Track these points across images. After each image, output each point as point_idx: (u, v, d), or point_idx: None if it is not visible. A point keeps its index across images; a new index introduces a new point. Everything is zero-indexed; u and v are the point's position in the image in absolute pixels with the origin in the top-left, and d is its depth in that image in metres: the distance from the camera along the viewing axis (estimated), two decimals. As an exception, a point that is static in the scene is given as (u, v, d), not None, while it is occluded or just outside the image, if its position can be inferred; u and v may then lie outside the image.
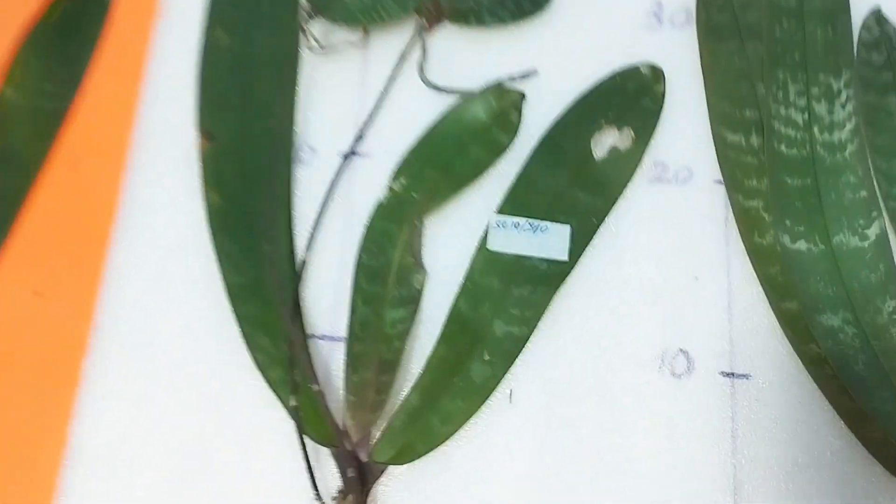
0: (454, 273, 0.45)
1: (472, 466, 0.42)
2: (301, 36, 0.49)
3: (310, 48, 0.49)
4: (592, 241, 0.45)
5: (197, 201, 0.46)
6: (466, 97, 0.48)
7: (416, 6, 0.49)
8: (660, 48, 0.49)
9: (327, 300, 0.45)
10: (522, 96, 0.48)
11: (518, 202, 0.46)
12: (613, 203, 0.46)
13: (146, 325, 0.46)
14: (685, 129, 0.48)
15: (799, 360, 0.42)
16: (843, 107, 0.46)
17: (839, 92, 0.46)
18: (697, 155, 0.47)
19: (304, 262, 0.45)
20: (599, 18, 0.50)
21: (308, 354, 0.43)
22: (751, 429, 0.42)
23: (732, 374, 0.43)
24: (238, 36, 0.50)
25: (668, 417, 0.42)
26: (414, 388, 0.42)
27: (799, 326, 0.42)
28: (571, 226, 0.45)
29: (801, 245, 0.43)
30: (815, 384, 0.42)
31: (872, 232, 0.43)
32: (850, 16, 0.48)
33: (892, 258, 0.42)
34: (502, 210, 0.46)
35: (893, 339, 0.41)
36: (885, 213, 0.44)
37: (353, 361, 0.43)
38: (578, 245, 0.45)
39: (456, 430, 0.42)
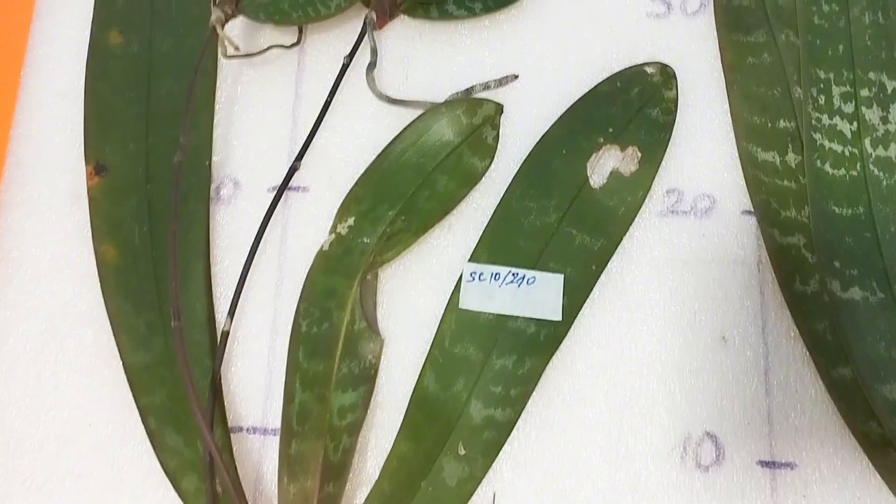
0: (419, 340, 0.36)
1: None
2: (217, 39, 0.40)
3: (226, 55, 0.39)
4: (592, 293, 0.37)
5: (87, 256, 0.37)
6: (429, 111, 0.39)
7: (363, -5, 0.40)
8: (670, 42, 0.41)
9: (257, 383, 0.37)
10: (500, 109, 0.40)
11: (497, 246, 0.38)
12: (617, 243, 0.38)
13: (27, 423, 0.37)
14: (704, 146, 0.39)
15: (856, 444, 0.34)
16: (902, 111, 0.38)
17: (895, 93, 0.38)
18: (720, 179, 0.39)
19: (225, 334, 0.36)
20: (594, 5, 0.41)
21: (231, 457, 0.35)
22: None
23: (773, 462, 0.35)
24: (137, 39, 0.41)
25: (694, 520, 0.34)
26: (370, 500, 0.34)
27: (855, 400, 0.35)
28: (565, 275, 0.37)
29: (856, 293, 0.36)
30: (876, 473, 0.34)
31: (949, 277, 0.35)
32: (903, -1, 0.40)
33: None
34: (477, 257, 0.37)
35: None
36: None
37: (290, 465, 0.34)
38: (575, 299, 0.37)
39: (427, 554, 0.34)
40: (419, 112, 0.39)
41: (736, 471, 0.35)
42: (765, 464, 0.35)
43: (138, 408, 0.35)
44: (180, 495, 0.34)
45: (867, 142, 0.38)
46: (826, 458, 0.35)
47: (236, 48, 0.39)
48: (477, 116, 0.39)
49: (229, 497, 0.33)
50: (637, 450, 0.35)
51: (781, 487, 0.34)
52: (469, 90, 0.40)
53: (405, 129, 0.39)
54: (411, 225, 0.38)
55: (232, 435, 0.36)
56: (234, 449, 0.35)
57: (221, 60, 0.40)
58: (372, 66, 0.40)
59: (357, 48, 0.40)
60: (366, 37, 0.40)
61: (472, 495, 0.34)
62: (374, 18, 0.40)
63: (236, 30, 0.41)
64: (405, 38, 0.42)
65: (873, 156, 0.38)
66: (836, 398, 0.35)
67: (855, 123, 0.39)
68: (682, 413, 0.36)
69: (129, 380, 0.36)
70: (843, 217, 0.37)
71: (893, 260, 0.36)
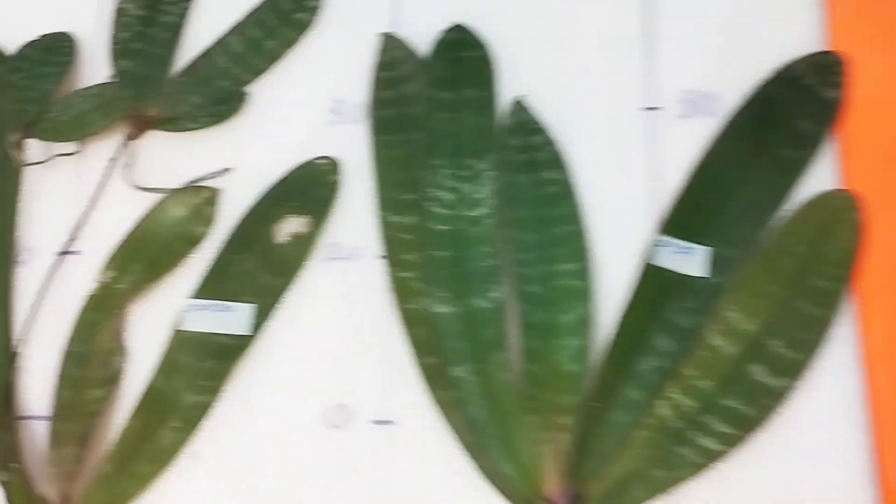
0: (153, 353, 0.55)
1: (161, 519, 0.52)
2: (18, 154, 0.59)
3: (25, 164, 0.59)
4: (273, 316, 0.56)
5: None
6: (168, 196, 0.58)
7: (122, 116, 0.60)
8: (339, 141, 0.60)
9: (40, 384, 0.55)
10: (217, 192, 0.59)
11: (211, 287, 0.57)
12: (292, 281, 0.57)
13: None
14: (357, 213, 0.58)
15: (436, 407, 0.53)
16: (486, 186, 0.57)
17: (482, 173, 0.57)
18: (366, 235, 0.57)
19: (15, 353, 0.55)
20: (287, 117, 0.61)
21: (14, 434, 0.53)
22: (393, 467, 0.52)
23: (382, 421, 0.53)
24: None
25: (325, 463, 0.53)
26: (108, 458, 0.52)
27: (436, 378, 0.53)
28: (256, 304, 0.56)
29: (443, 308, 0.54)
30: (447, 425, 0.52)
31: (495, 294, 0.54)
32: (497, 104, 0.60)
33: (505, 317, 0.53)
34: (197, 295, 0.56)
35: (499, 386, 0.52)
36: (509, 277, 0.55)
37: (55, 438, 0.53)
38: (260, 320, 0.56)
39: (143, 490, 0.52)
40: (161, 196, 0.59)
41: (358, 428, 0.53)
42: (377, 422, 0.53)
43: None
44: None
45: (462, 207, 0.57)
46: (417, 417, 0.52)
47: (27, 164, 0.58)
48: (199, 198, 0.59)
49: (12, 461, 0.52)
50: (294, 419, 0.54)
51: (387, 437, 0.53)
52: (195, 180, 0.59)
53: (151, 208, 0.58)
54: (153, 275, 0.57)
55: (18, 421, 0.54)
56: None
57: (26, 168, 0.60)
58: (129, 165, 0.60)
59: (119, 153, 0.60)
60: (124, 145, 0.60)
61: (179, 454, 0.53)
62: (130, 132, 0.60)
63: (35, 147, 0.60)
64: (155, 144, 0.61)
65: (465, 216, 0.56)
66: (425, 377, 0.54)
67: (455, 194, 0.57)
68: (325, 392, 0.54)
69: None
70: (440, 258, 0.56)
71: (468, 286, 0.55)
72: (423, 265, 0.55)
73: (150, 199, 0.59)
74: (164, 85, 0.62)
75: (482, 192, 0.57)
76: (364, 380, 0.54)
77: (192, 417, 0.53)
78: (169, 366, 0.55)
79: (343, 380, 0.55)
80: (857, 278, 0.55)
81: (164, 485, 0.53)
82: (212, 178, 0.59)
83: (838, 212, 0.55)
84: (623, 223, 0.57)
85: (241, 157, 0.60)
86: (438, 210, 0.57)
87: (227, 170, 0.59)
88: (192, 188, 0.59)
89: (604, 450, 0.50)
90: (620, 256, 0.55)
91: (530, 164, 0.58)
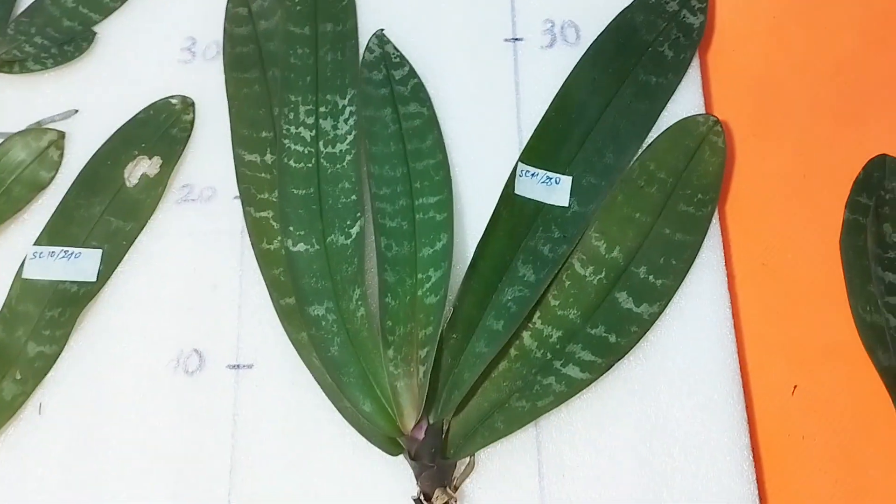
0: (-7, 303, 0.53)
1: (4, 474, 0.50)
2: None
3: None
4: (123, 262, 0.54)
5: None
6: (8, 139, 0.56)
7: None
8: (194, 80, 0.58)
9: None
10: (62, 135, 0.56)
11: (56, 233, 0.54)
12: (143, 225, 0.55)
13: None
14: (212, 153, 0.57)
15: (293, 348, 0.52)
16: (346, 121, 0.56)
17: (343, 109, 0.57)
18: (221, 175, 0.56)
19: None
20: (138, 56, 0.59)
21: None
22: (250, 412, 0.51)
23: (238, 365, 0.52)
24: None
25: (179, 411, 0.51)
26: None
27: (294, 318, 0.52)
28: (103, 250, 0.54)
29: (301, 247, 0.53)
30: (305, 367, 0.51)
31: (354, 231, 0.53)
32: (357, 39, 0.59)
33: (364, 252, 0.52)
34: (39, 241, 0.54)
35: (358, 322, 0.50)
36: (369, 212, 0.53)
37: None
38: (108, 267, 0.54)
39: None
40: (2, 139, 0.56)
41: (212, 373, 0.52)
42: (232, 366, 0.52)
43: None
44: None
45: (321, 143, 0.56)
46: (275, 359, 0.52)
47: None
48: (43, 141, 0.56)
49: None
50: (143, 367, 0.52)
51: (243, 381, 0.52)
52: (39, 122, 0.57)
53: (-10, 153, 0.56)
54: (-8, 221, 0.55)
55: None
56: None
57: None
58: (-34, 109, 0.57)
59: (-45, 97, 0.57)
60: (-40, 88, 0.57)
61: (23, 406, 0.51)
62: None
63: None
64: (-4, 87, 0.59)
65: (324, 153, 0.56)
66: (283, 319, 0.52)
67: (314, 131, 0.56)
68: (177, 338, 0.52)
69: None
70: (299, 196, 0.54)
71: (327, 223, 0.53)
72: (282, 204, 0.54)
73: (-9, 144, 0.56)
74: (6, 25, 0.59)
75: (342, 129, 0.56)
76: (220, 324, 0.53)
77: (37, 369, 0.51)
78: (11, 315, 0.52)
79: (197, 325, 0.53)
80: (723, 203, 0.55)
81: (7, 439, 0.50)
82: (58, 120, 0.57)
83: (703, 137, 0.55)
84: (489, 155, 0.56)
85: (89, 99, 0.58)
86: (297, 147, 0.55)
87: (74, 111, 0.57)
88: (37, 130, 0.56)
89: (464, 382, 0.49)
90: (486, 188, 0.54)
91: (391, 99, 0.57)
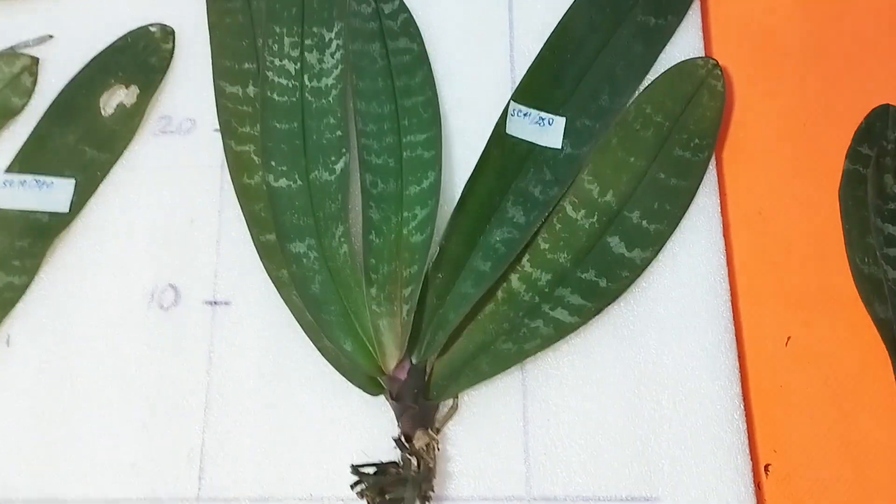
0: (-39, 232, 0.51)
1: (-28, 409, 0.49)
2: None
3: None
4: (97, 193, 0.53)
5: None
6: (-21, 64, 0.55)
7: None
8: (174, 8, 0.57)
9: None
10: (36, 61, 0.55)
11: (27, 161, 0.53)
12: (119, 156, 0.54)
13: None
14: (191, 84, 0.55)
15: (273, 286, 0.51)
16: (333, 55, 0.55)
17: (330, 42, 0.55)
18: (201, 108, 0.55)
19: None
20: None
21: None
22: (227, 349, 0.50)
23: (215, 302, 0.51)
24: None
25: (153, 346, 0.50)
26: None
27: (275, 255, 0.51)
28: (77, 180, 0.53)
29: (283, 182, 0.51)
30: (285, 305, 0.50)
31: (339, 167, 0.52)
32: (346, -30, 0.57)
33: (348, 189, 0.51)
34: (11, 169, 0.53)
35: (340, 260, 0.49)
36: (354, 149, 0.52)
37: None
38: (82, 198, 0.52)
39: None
40: (-28, 65, 0.55)
41: (188, 309, 0.51)
42: (209, 302, 0.51)
43: None
44: None
45: (306, 77, 0.55)
46: (253, 296, 0.51)
47: None
48: (16, 66, 0.55)
49: None
50: (117, 301, 0.51)
51: (219, 318, 0.51)
52: (12, 48, 0.55)
53: (-40, 78, 0.55)
54: (-39, 148, 0.54)
55: None
56: None
57: None
58: (-65, 31, 0.55)
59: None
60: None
61: (-10, 340, 0.50)
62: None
63: None
64: (-33, 11, 0.57)
65: (309, 87, 0.54)
66: (262, 255, 0.51)
67: (298, 64, 0.55)
68: (153, 273, 0.51)
69: None
70: (281, 130, 0.53)
71: (311, 159, 0.52)
72: (264, 138, 0.53)
73: (-40, 69, 0.55)
74: (-22, -52, 0.58)
75: (328, 62, 0.55)
76: (197, 260, 0.52)
77: (5, 299, 0.50)
78: (-20, 247, 0.51)
79: (173, 260, 0.52)
80: (720, 149, 0.55)
81: (-29, 371, 0.49)
82: (32, 45, 0.55)
83: (702, 80, 0.54)
84: (480, 93, 0.55)
85: (65, 25, 0.57)
86: (281, 80, 0.54)
87: (48, 37, 0.56)
88: (9, 55, 0.55)
89: (449, 323, 0.48)
90: (476, 127, 0.53)
91: (380, 33, 0.55)
